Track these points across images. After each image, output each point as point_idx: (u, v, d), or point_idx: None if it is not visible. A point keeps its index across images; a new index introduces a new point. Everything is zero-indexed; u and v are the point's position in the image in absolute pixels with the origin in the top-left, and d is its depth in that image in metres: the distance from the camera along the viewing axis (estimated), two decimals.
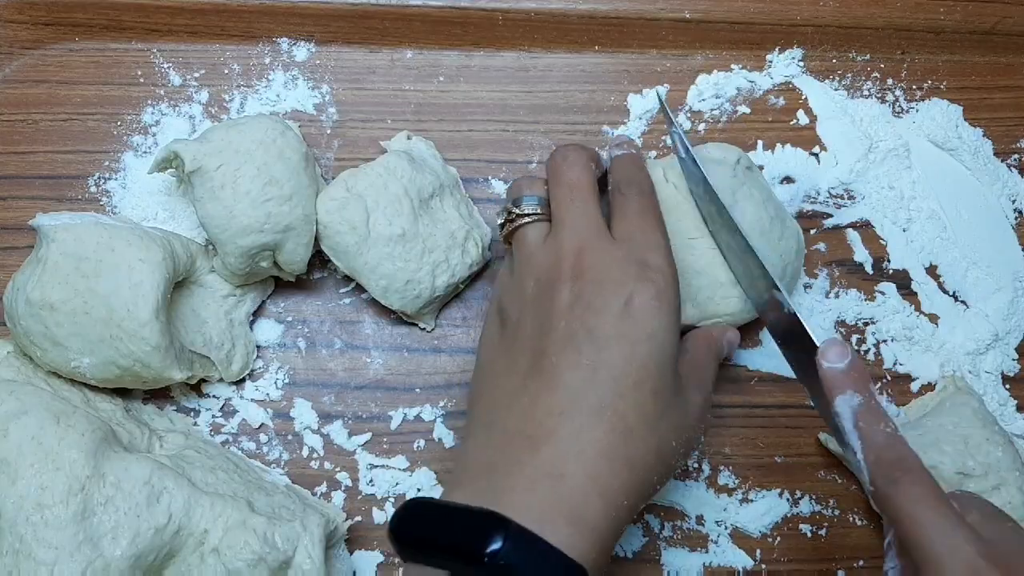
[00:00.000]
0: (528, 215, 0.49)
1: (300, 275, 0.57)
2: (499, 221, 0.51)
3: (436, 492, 0.56)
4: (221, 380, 0.56)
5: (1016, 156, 0.65)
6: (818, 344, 0.46)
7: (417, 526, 0.40)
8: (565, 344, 0.43)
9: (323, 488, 0.55)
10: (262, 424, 0.56)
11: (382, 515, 0.55)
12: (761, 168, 0.61)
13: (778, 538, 0.57)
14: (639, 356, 0.42)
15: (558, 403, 0.42)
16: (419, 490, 0.56)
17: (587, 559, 0.39)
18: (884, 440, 0.44)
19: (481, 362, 0.49)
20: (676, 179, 0.55)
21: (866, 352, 0.60)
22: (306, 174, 0.54)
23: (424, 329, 0.58)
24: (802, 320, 0.48)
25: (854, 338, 0.60)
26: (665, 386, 0.43)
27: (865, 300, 0.61)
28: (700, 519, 0.56)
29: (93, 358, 0.50)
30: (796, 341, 0.49)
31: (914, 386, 0.60)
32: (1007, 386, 0.60)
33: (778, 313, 0.50)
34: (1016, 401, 0.60)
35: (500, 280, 0.51)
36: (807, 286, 0.61)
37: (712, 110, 0.64)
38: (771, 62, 0.65)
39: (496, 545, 0.37)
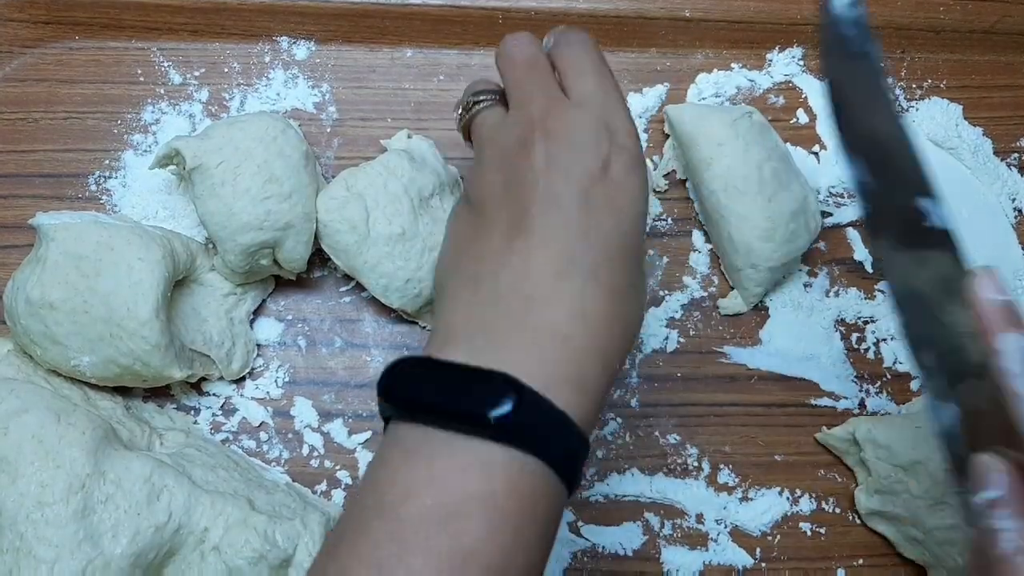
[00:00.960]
0: (484, 99, 0.46)
1: (300, 274, 0.57)
2: (456, 116, 0.48)
3: None
4: (221, 378, 0.56)
5: (1016, 155, 0.65)
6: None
7: (412, 385, 0.37)
8: (550, 203, 0.40)
9: (323, 486, 0.55)
10: (262, 422, 0.56)
11: None
12: None
13: (778, 536, 0.57)
14: (625, 222, 0.41)
15: (553, 263, 0.39)
16: None
17: (587, 426, 0.37)
18: None
19: (449, 234, 0.45)
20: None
21: (866, 351, 0.60)
22: (306, 172, 0.54)
23: (425, 327, 0.58)
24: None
25: (854, 336, 0.60)
26: (641, 251, 0.42)
27: (865, 299, 0.61)
28: (700, 517, 0.56)
29: (93, 357, 0.50)
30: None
31: (914, 384, 0.60)
32: None
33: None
34: None
35: (465, 178, 0.48)
36: (807, 285, 0.61)
37: None
38: (771, 61, 0.65)
39: (506, 408, 0.35)
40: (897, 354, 0.60)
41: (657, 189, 0.61)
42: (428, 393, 0.37)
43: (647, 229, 0.61)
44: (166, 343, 0.50)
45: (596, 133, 0.41)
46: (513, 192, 0.41)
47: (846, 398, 0.59)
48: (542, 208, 0.40)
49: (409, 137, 0.59)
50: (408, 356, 0.39)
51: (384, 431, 0.39)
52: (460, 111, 0.47)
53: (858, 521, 0.57)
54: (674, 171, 0.62)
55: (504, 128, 0.44)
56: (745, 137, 0.56)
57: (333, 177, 0.59)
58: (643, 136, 0.62)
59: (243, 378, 0.57)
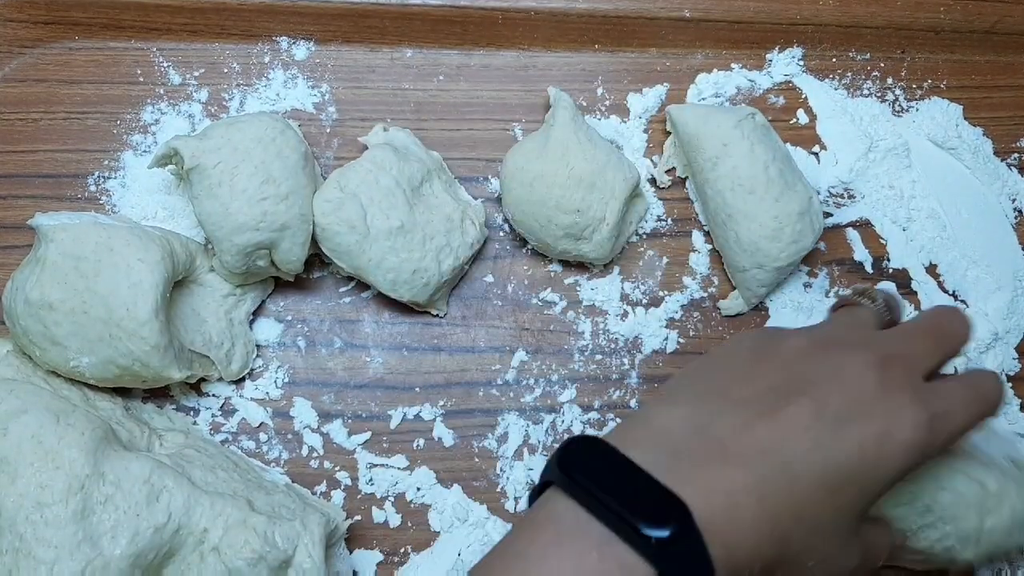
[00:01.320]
0: (878, 303, 0.47)
1: (300, 274, 0.57)
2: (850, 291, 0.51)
3: (435, 492, 0.56)
4: (221, 379, 0.56)
5: (1016, 155, 0.65)
6: None
7: (595, 469, 0.38)
8: (819, 395, 0.40)
9: (323, 487, 0.55)
10: (262, 423, 0.56)
11: (382, 514, 0.55)
12: None
13: None
14: (877, 484, 0.40)
15: (769, 443, 0.39)
16: (418, 489, 0.56)
17: None
18: None
19: (732, 344, 0.46)
20: None
21: None
22: (304, 174, 0.54)
23: (437, 315, 0.58)
24: None
25: None
26: (856, 522, 0.41)
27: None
28: None
29: (92, 357, 0.50)
30: None
31: None
32: (1009, 385, 0.60)
33: None
34: (1020, 400, 0.60)
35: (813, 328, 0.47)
36: (807, 285, 0.61)
37: None
38: (771, 61, 0.65)
39: (663, 533, 0.35)
40: None
41: (661, 185, 0.61)
42: (608, 485, 0.38)
43: (648, 230, 0.61)
44: (165, 344, 0.50)
45: (923, 400, 0.41)
46: (810, 366, 0.42)
47: None
48: (812, 391, 0.40)
49: (385, 130, 0.59)
50: (602, 441, 0.40)
51: (538, 488, 0.40)
52: (852, 293, 0.49)
53: None
54: (674, 168, 0.62)
55: (870, 326, 0.46)
56: (750, 138, 0.56)
57: None
58: (643, 137, 0.62)
59: (242, 379, 0.57)
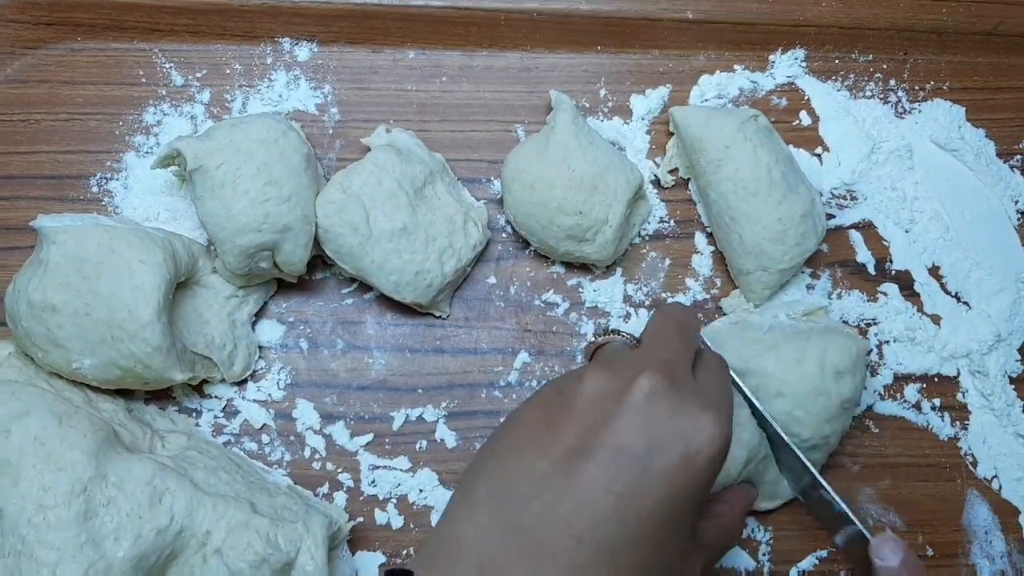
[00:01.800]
0: (623, 336, 0.49)
1: (302, 276, 0.57)
2: (590, 341, 0.53)
3: (438, 494, 0.56)
4: (223, 381, 0.56)
5: (1019, 157, 0.65)
6: (870, 538, 0.49)
7: None
8: (614, 438, 0.39)
9: (325, 489, 0.55)
10: (264, 425, 0.56)
11: (384, 516, 0.55)
12: None
13: (780, 539, 0.57)
14: (684, 521, 0.41)
15: (580, 524, 0.38)
16: (421, 491, 0.56)
17: None
18: None
19: (505, 430, 0.44)
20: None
21: (868, 353, 0.60)
22: (306, 175, 0.54)
23: (440, 317, 0.58)
24: (851, 516, 0.51)
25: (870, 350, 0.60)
26: (682, 538, 0.42)
27: (868, 301, 0.61)
28: None
29: (95, 359, 0.50)
30: (841, 524, 0.53)
31: (914, 388, 0.60)
32: (1012, 387, 0.60)
33: (823, 505, 0.53)
34: (1022, 402, 0.60)
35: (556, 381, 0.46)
36: (809, 287, 0.61)
37: None
38: (774, 63, 0.65)
39: None
40: (899, 355, 0.60)
41: (665, 185, 0.61)
42: None
43: (650, 232, 0.61)
44: (168, 345, 0.50)
45: (696, 421, 0.40)
46: (620, 404, 0.40)
47: None
48: (601, 457, 0.39)
49: (388, 131, 0.59)
50: (409, 572, 0.39)
51: None
52: (594, 337, 0.50)
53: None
54: (676, 169, 0.62)
55: (625, 356, 0.44)
56: (753, 140, 0.56)
57: None
58: (646, 138, 0.62)
59: (245, 380, 0.57)
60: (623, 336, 0.48)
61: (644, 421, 0.40)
